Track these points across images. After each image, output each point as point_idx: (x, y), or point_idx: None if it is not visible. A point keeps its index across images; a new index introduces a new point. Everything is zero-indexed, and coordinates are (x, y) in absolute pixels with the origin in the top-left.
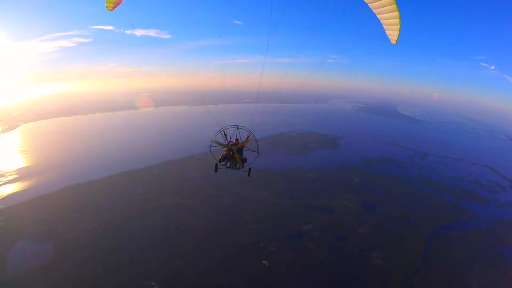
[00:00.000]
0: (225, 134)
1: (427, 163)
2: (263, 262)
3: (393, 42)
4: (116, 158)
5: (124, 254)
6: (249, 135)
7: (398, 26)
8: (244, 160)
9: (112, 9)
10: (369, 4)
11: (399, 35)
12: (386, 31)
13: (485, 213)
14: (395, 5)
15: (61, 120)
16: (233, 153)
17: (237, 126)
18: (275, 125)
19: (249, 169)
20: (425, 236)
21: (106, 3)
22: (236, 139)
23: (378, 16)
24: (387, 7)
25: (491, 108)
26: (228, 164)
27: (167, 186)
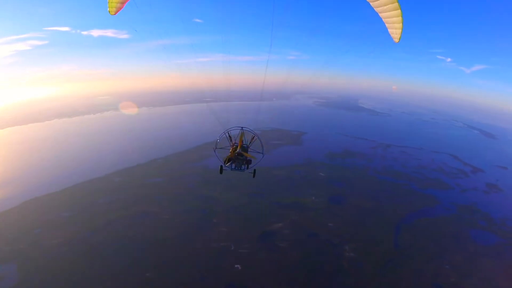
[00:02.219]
0: (229, 136)
1: (390, 153)
2: (236, 266)
3: (396, 40)
4: (76, 167)
5: (91, 269)
6: (254, 136)
7: (401, 25)
8: (249, 162)
9: (115, 14)
10: (371, 3)
11: (401, 33)
12: (389, 30)
13: (451, 199)
14: (397, 4)
15: (16, 130)
16: (239, 154)
17: (242, 127)
18: (238, 123)
19: (254, 170)
20: (395, 226)
21: (109, 8)
22: (236, 142)
23: (380, 14)
24: (389, 5)
25: (448, 98)
26: (233, 165)
27: (131, 193)
